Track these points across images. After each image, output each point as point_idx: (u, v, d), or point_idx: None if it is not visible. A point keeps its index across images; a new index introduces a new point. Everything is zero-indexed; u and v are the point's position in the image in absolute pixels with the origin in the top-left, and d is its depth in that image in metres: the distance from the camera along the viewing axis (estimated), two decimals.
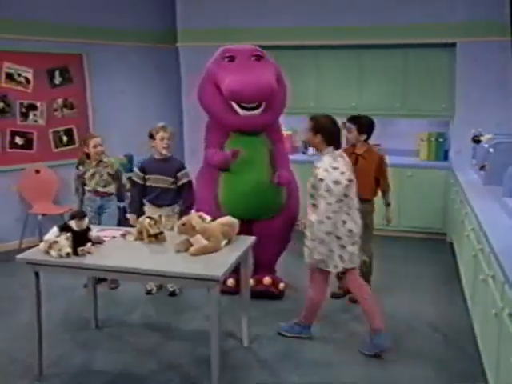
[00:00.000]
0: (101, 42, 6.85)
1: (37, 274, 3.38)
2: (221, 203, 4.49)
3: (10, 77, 6.19)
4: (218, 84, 4.33)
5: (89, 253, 3.38)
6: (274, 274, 4.82)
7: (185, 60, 7.12)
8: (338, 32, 6.38)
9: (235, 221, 3.69)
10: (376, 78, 6.48)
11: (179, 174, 4.68)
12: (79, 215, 3.43)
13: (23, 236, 6.30)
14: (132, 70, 7.23)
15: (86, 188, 5.00)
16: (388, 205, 4.64)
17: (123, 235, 3.76)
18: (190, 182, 4.72)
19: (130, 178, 5.08)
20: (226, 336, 3.91)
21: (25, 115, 6.35)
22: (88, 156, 4.97)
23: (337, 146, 3.67)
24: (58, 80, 6.53)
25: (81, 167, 5.03)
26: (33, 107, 6.40)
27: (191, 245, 3.43)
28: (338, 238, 3.61)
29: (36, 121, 6.45)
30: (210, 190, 4.56)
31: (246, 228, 4.13)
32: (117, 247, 3.57)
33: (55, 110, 6.57)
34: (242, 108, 4.25)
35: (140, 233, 3.67)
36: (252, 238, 3.75)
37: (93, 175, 4.98)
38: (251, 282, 4.57)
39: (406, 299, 4.68)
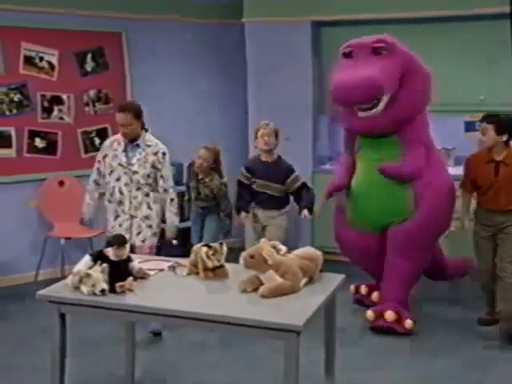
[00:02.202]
0: (145, 16, 7.06)
1: (62, 317, 3.46)
2: (349, 217, 5.36)
3: (29, 61, 6.48)
4: None
5: (130, 290, 3.43)
6: (404, 306, 5.19)
7: (252, 39, 7.31)
8: None
9: (318, 253, 3.68)
10: None
11: (289, 181, 5.69)
12: (119, 241, 3.48)
13: (40, 265, 6.50)
14: (185, 54, 7.46)
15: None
16: None
17: (173, 268, 3.82)
18: (304, 184, 5.73)
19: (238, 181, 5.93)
20: None
21: (48, 111, 6.64)
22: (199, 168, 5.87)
23: None
24: (89, 66, 6.83)
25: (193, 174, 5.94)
26: (58, 100, 6.68)
27: (261, 283, 3.42)
28: None
29: (61, 118, 6.73)
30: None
31: (377, 244, 5.24)
32: (165, 283, 3.62)
33: (86, 104, 6.83)
34: (359, 108, 4.92)
35: (194, 265, 3.70)
36: (341, 277, 3.73)
37: (197, 189, 5.91)
38: (370, 314, 5.20)
39: None
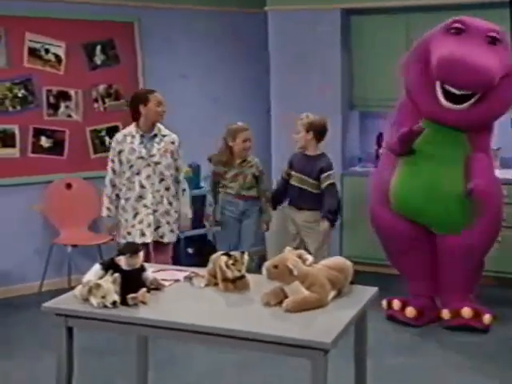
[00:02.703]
0: (159, 5, 7.11)
1: (70, 331, 3.49)
2: (392, 196, 5.49)
3: (34, 53, 6.55)
4: (428, 58, 5.06)
5: (143, 302, 3.42)
6: (474, 303, 5.49)
7: (276, 29, 7.33)
8: None
9: (348, 263, 3.66)
10: None
11: (322, 176, 5.89)
12: (132, 249, 3.50)
13: (45, 275, 6.55)
14: (202, 46, 7.49)
15: (226, 190, 5.99)
16: None
17: (189, 278, 3.83)
18: (331, 185, 5.89)
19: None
20: None
21: (54, 107, 6.71)
22: (231, 152, 5.92)
23: None
24: (99, 59, 6.89)
25: (220, 166, 5.97)
26: (65, 96, 6.75)
27: (286, 296, 3.41)
28: None
29: (69, 115, 6.79)
30: (381, 177, 5.62)
31: (426, 241, 5.51)
32: (181, 295, 3.63)
33: (95, 100, 6.88)
34: (447, 98, 5.03)
35: (213, 276, 3.71)
36: (373, 290, 3.71)
37: (236, 176, 5.98)
38: (446, 313, 5.49)
39: None
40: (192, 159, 7.15)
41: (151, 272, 3.69)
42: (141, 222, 5.53)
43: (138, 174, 5.49)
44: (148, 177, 5.49)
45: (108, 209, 5.66)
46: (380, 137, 7.17)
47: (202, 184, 7.25)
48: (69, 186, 6.82)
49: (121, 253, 3.50)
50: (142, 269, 3.58)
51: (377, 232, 5.84)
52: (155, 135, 5.55)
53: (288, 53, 7.27)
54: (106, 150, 6.57)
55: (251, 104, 7.68)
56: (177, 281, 3.82)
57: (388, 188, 5.54)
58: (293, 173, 6.03)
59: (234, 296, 3.60)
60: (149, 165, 5.48)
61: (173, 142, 5.61)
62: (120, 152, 5.53)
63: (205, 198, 6.29)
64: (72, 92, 6.76)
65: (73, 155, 6.84)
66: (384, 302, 5.77)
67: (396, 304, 5.74)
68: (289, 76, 7.29)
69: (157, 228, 5.57)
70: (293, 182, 6.02)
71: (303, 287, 3.40)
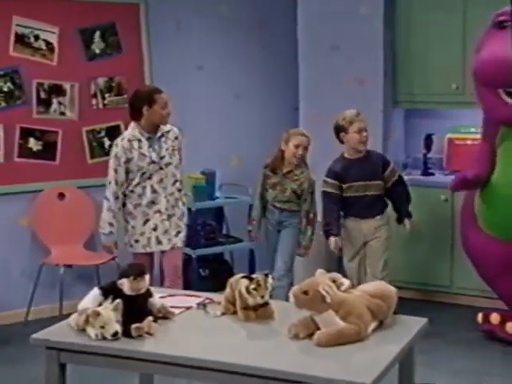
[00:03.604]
0: None
1: (62, 367, 3.46)
2: (477, 213, 5.72)
3: (21, 40, 6.54)
4: None
5: (149, 333, 3.39)
6: None
7: (306, 11, 7.33)
8: None
9: (392, 289, 3.65)
10: None
11: (387, 173, 6.06)
12: (136, 271, 3.48)
13: (33, 300, 6.53)
14: (218, 31, 7.50)
15: (266, 195, 6.24)
16: None
17: (203, 305, 3.81)
18: (401, 178, 6.13)
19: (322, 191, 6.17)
20: None
21: (45, 103, 6.70)
22: (282, 157, 6.11)
23: None
24: (98, 47, 6.88)
25: (268, 169, 6.19)
26: (58, 91, 6.74)
27: (317, 327, 3.38)
28: None
29: (62, 113, 6.78)
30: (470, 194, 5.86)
31: None
32: (193, 325, 3.60)
33: (93, 95, 6.88)
34: (509, 94, 5.33)
35: (231, 303, 3.69)
36: (422, 321, 3.69)
37: (275, 185, 6.18)
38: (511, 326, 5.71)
39: None
40: (205, 165, 7.14)
41: (158, 298, 3.66)
42: (155, 228, 5.73)
43: (149, 178, 5.67)
44: (160, 180, 5.70)
45: (110, 224, 5.71)
46: (429, 139, 7.16)
47: (218, 194, 7.26)
48: (61, 195, 6.82)
49: (123, 275, 3.47)
50: (148, 294, 3.55)
51: (471, 260, 6.03)
52: (162, 135, 5.70)
53: (320, 39, 7.29)
54: (106, 153, 6.59)
55: (277, 100, 7.70)
56: (188, 308, 3.80)
57: (473, 205, 5.85)
58: (347, 185, 6.05)
59: (255, 327, 3.56)
60: (161, 168, 5.68)
61: (176, 138, 5.80)
62: (128, 161, 5.63)
63: (221, 210, 6.54)
64: (66, 86, 6.77)
65: (66, 160, 6.84)
66: (480, 316, 5.90)
67: (494, 318, 5.84)
68: (320, 66, 7.31)
69: (177, 233, 5.82)
70: (350, 193, 6.05)
71: (338, 317, 3.37)
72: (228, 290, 3.73)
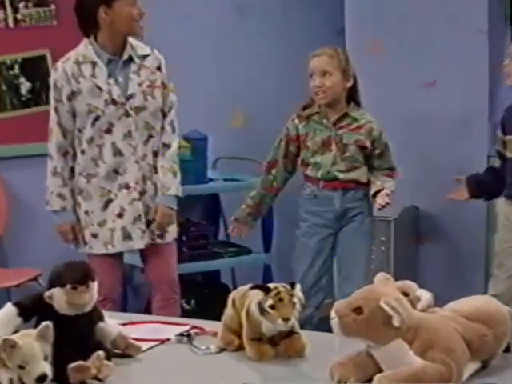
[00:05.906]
0: None
1: None
2: None
3: None
4: None
5: (97, 379, 2.60)
6: None
7: None
8: None
9: (504, 311, 2.86)
10: None
11: None
12: (76, 275, 2.64)
13: None
14: None
15: None
16: None
17: (187, 336, 2.99)
18: None
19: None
20: None
21: None
22: None
23: None
24: None
25: (303, 121, 4.83)
26: None
27: (379, 368, 2.56)
28: None
29: None
30: None
31: None
32: (171, 368, 2.78)
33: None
34: None
35: (234, 332, 2.87)
36: None
37: (324, 145, 4.72)
38: None
39: None
40: (191, 125, 5.62)
41: (116, 324, 2.86)
42: (120, 215, 4.46)
43: (108, 131, 4.36)
44: (126, 136, 4.34)
45: (60, 196, 4.49)
46: None
47: (211, 174, 5.86)
48: None
49: (55, 282, 2.64)
50: (97, 315, 2.72)
51: None
52: (130, 58, 4.39)
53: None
54: (25, 104, 5.53)
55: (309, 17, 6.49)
56: (164, 341, 2.98)
57: None
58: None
59: (274, 369, 2.74)
60: (126, 113, 4.34)
61: (159, 68, 4.47)
62: (73, 95, 4.44)
63: (217, 199, 5.71)
64: None
65: None
66: None
67: None
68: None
69: (149, 222, 4.49)
70: None
71: (412, 351, 2.60)
72: (229, 310, 2.91)
